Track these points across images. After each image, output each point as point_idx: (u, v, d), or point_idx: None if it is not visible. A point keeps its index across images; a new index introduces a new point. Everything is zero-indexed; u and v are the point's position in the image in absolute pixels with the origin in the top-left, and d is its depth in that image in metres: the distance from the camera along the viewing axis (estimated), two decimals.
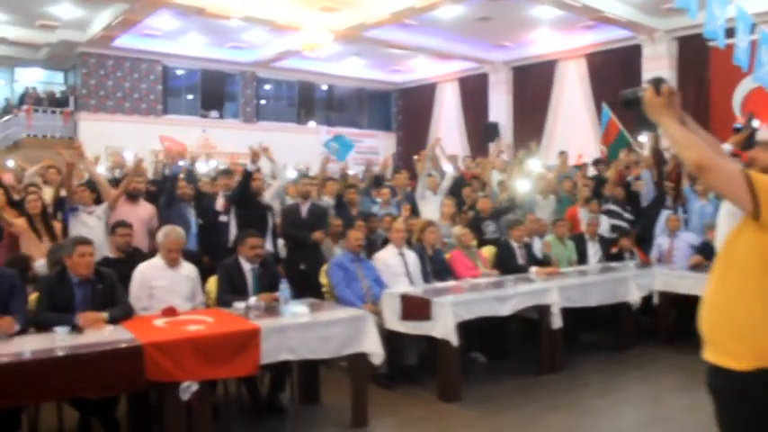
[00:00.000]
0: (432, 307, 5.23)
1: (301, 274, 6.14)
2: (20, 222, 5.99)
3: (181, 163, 8.88)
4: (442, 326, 5.14)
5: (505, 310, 5.68)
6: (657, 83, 2.36)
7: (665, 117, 2.33)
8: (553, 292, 6.07)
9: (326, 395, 5.27)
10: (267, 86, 22.12)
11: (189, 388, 3.81)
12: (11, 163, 9.49)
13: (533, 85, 19.09)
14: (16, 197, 6.76)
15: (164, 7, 14.45)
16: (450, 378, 5.32)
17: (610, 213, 8.74)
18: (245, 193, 6.58)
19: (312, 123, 22.53)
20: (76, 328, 4.04)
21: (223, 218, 6.86)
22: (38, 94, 19.15)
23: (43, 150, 15.60)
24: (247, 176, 6.51)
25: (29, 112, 18.05)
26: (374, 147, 22.79)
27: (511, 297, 5.75)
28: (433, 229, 6.67)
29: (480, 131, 19.85)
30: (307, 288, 5.87)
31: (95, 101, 18.42)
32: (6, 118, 18.14)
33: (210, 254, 6.48)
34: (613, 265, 7.55)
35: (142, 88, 19.11)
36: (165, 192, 6.68)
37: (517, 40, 17.94)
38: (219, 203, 6.91)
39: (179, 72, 20.41)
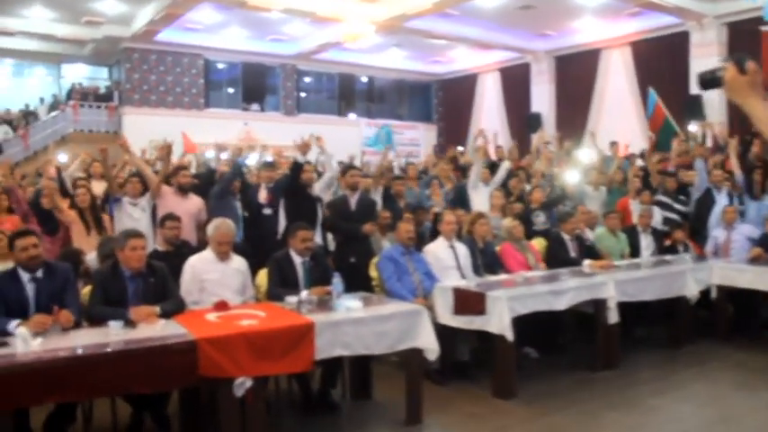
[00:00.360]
0: (486, 301, 5.09)
1: (351, 266, 6.03)
2: (71, 213, 6.00)
3: (224, 156, 8.90)
4: (498, 321, 5.00)
5: (561, 304, 5.50)
6: (741, 60, 2.12)
7: (750, 98, 2.10)
8: (609, 285, 5.87)
9: (378, 391, 5.16)
10: (307, 79, 22.13)
11: (243, 384, 3.74)
12: (63, 157, 9.60)
13: (576, 74, 18.75)
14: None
15: (206, 1, 14.50)
16: (505, 374, 5.17)
17: (661, 205, 8.47)
18: (295, 185, 6.49)
19: (352, 115, 22.48)
20: (129, 323, 4.00)
21: (267, 210, 6.79)
22: (83, 89, 19.43)
23: (89, 144, 15.81)
24: (297, 168, 6.42)
25: (75, 107, 18.37)
26: (415, 138, 22.66)
27: (566, 291, 5.57)
28: (483, 221, 6.51)
29: (522, 122, 19.59)
30: (356, 281, 5.75)
31: (139, 95, 18.64)
32: (54, 113, 18.44)
33: (254, 247, 6.42)
34: (668, 258, 7.30)
35: (184, 82, 19.27)
36: (222, 182, 6.63)
37: (560, 29, 17.65)
38: (263, 196, 6.84)
39: (220, 65, 20.53)
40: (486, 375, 5.44)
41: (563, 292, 5.54)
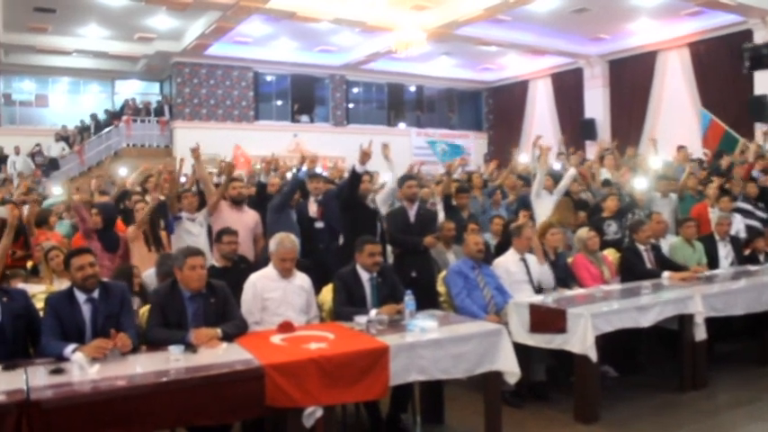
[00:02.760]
0: (567, 318, 4.73)
1: (412, 281, 5.70)
2: (131, 230, 5.85)
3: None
4: (580, 339, 4.63)
5: (647, 320, 5.09)
6: None
7: None
8: (696, 300, 5.43)
9: (450, 414, 4.83)
10: (356, 89, 22.04)
11: (313, 414, 3.45)
12: (123, 171, 9.62)
13: (631, 78, 18.29)
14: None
15: (255, 13, 14.50)
16: (588, 397, 4.79)
17: (742, 212, 7.96)
18: (353, 197, 6.20)
19: (402, 125, 22.28)
20: (190, 347, 3.75)
21: (319, 224, 6.53)
22: (136, 104, 19.66)
23: (142, 159, 15.96)
24: (356, 179, 6.14)
25: (128, 122, 18.57)
26: (465, 147, 22.33)
27: (652, 307, 5.16)
28: (554, 231, 6.14)
29: (575, 128, 19.12)
30: (419, 297, 5.43)
31: (190, 109, 18.77)
32: (108, 129, 18.66)
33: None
34: (751, 268, 6.80)
35: (234, 95, 19.34)
36: (283, 195, 6.39)
37: (614, 32, 17.23)
38: (313, 209, 6.58)
39: (269, 78, 20.57)
40: (564, 397, 5.10)
41: (648, 308, 5.13)
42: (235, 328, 4.07)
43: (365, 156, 6.07)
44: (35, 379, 3.24)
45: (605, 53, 18.54)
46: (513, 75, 22.09)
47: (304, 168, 7.13)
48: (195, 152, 6.80)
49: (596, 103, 19.00)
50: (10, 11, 14.54)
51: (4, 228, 6.64)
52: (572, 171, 8.06)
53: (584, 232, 6.38)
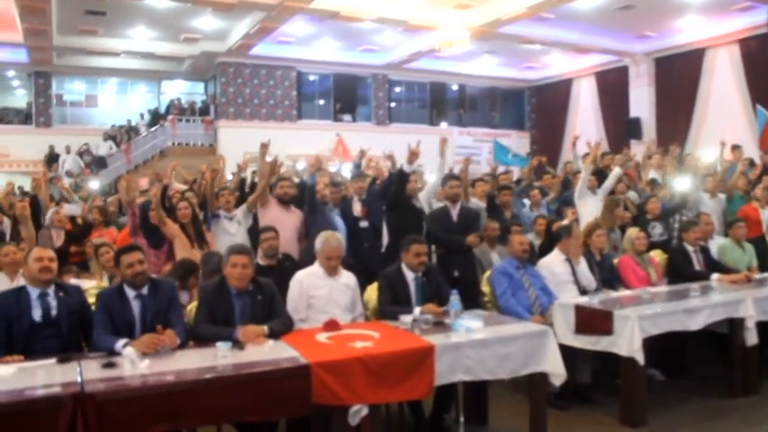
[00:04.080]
0: (614, 320, 4.66)
1: (455, 281, 5.68)
2: (174, 226, 5.95)
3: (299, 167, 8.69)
4: (627, 342, 4.56)
5: (695, 324, 4.99)
6: None
7: None
8: (748, 303, 5.29)
9: (494, 415, 4.80)
10: (398, 89, 22.03)
11: (359, 412, 3.46)
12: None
13: (678, 76, 17.90)
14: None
15: (299, 13, 14.59)
16: (635, 400, 4.72)
17: None
18: (399, 197, 6.20)
19: (444, 124, 22.22)
20: (237, 343, 3.79)
21: (363, 223, 6.54)
22: (181, 104, 19.99)
23: (186, 158, 16.21)
24: (403, 178, 6.13)
25: (173, 122, 18.87)
26: (508, 147, 22.13)
27: (701, 309, 5.05)
28: (600, 233, 6.05)
29: (620, 128, 18.82)
30: (462, 297, 5.41)
31: (234, 108, 18.99)
32: (154, 128, 19.01)
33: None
34: None
35: (277, 95, 19.52)
36: (306, 200, 6.44)
37: (661, 29, 16.89)
38: (357, 209, 6.59)
39: (312, 77, 20.70)
40: (610, 399, 5.04)
41: (697, 311, 5.03)
42: (281, 326, 4.10)
43: (413, 155, 6.07)
44: (89, 372, 3.31)
45: (651, 51, 18.19)
46: (557, 73, 21.84)
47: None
48: (265, 148, 6.84)
49: (642, 102, 18.66)
50: (63, 15, 14.91)
51: (70, 223, 6.88)
52: (617, 171, 7.94)
53: (632, 232, 6.29)
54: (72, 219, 7.13)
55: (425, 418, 4.55)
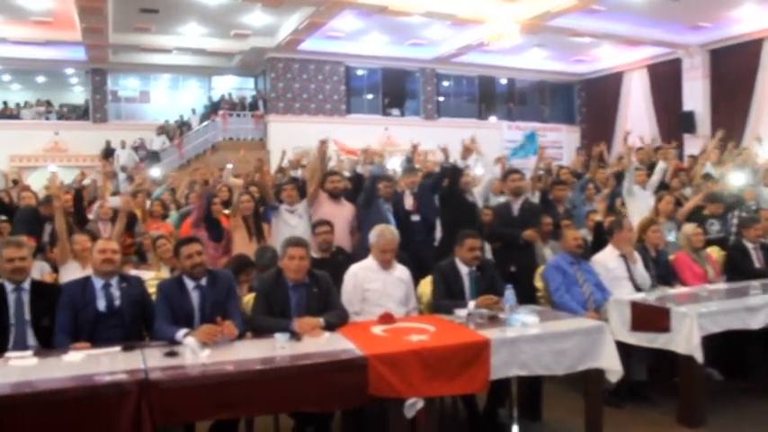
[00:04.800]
0: (671, 317, 4.58)
1: (511, 276, 5.65)
2: (236, 219, 6.05)
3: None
4: (685, 339, 4.47)
5: (756, 323, 4.85)
6: None
7: None
8: None
9: (548, 411, 4.76)
10: (446, 83, 21.96)
11: (414, 405, 3.47)
12: (230, 165, 10.02)
13: (735, 68, 17.47)
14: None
15: (347, 8, 14.66)
16: (693, 399, 4.62)
17: None
18: (453, 191, 6.20)
19: (493, 118, 22.09)
20: (295, 335, 3.85)
21: (415, 217, 6.55)
22: (232, 99, 20.27)
23: (237, 152, 16.42)
24: (456, 173, 6.13)
25: (224, 116, 19.16)
26: (557, 141, 21.94)
27: (762, 308, 4.91)
28: (656, 228, 5.95)
29: (673, 122, 18.44)
30: (517, 292, 5.39)
31: (283, 103, 19.21)
32: (205, 123, 19.34)
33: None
34: None
35: (326, 89, 19.67)
36: (365, 192, 6.47)
37: (716, 20, 16.50)
38: (409, 203, 6.61)
39: (360, 72, 20.79)
40: (666, 398, 4.95)
41: (758, 309, 4.88)
42: (337, 318, 4.15)
43: (467, 151, 6.06)
44: (151, 360, 3.40)
45: (706, 42, 17.78)
46: (608, 66, 21.52)
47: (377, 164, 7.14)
48: (324, 145, 6.91)
49: (696, 95, 18.26)
50: (118, 13, 15.29)
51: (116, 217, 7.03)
52: (661, 164, 7.78)
53: (689, 228, 6.16)
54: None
55: (479, 413, 4.53)
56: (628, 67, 20.79)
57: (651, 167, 8.33)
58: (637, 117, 19.96)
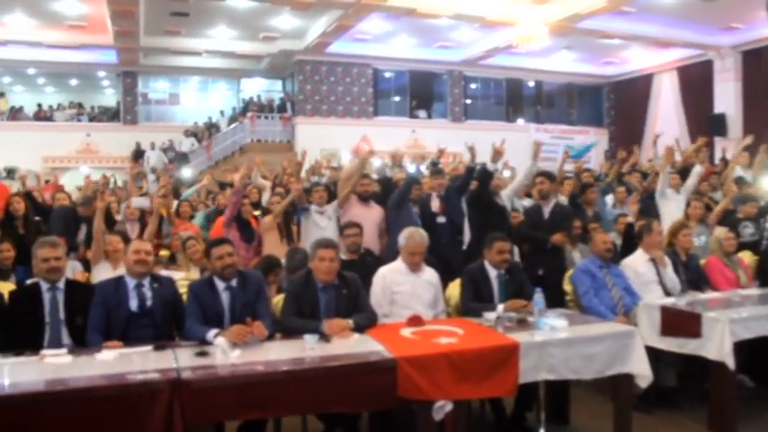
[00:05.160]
0: (702, 323, 4.53)
1: (539, 279, 5.64)
2: (267, 221, 6.10)
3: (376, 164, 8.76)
4: (717, 345, 4.41)
5: None
6: None
7: None
8: None
9: (576, 415, 4.73)
10: (474, 85, 21.92)
11: (443, 408, 3.48)
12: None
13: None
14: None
15: (375, 11, 14.71)
16: (724, 406, 4.56)
17: None
18: (482, 194, 6.20)
19: (521, 121, 21.98)
20: (324, 336, 3.87)
21: (441, 219, 6.55)
22: (260, 102, 20.42)
23: (265, 154, 16.58)
24: (487, 176, 6.13)
25: (252, 119, 19.32)
26: (585, 144, 21.73)
27: None
28: (687, 232, 5.89)
29: (703, 124, 18.17)
30: (546, 295, 5.36)
31: (311, 105, 19.32)
32: (233, 125, 19.52)
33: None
34: None
35: (354, 91, 19.74)
36: (399, 192, 6.48)
37: (749, 21, 16.26)
38: (435, 205, 6.61)
39: (388, 74, 20.83)
40: (696, 404, 4.88)
41: None
42: (366, 320, 4.17)
43: (497, 154, 6.05)
44: (182, 360, 3.44)
45: (738, 44, 17.54)
46: (637, 68, 21.33)
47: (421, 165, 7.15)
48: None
49: (727, 98, 18.01)
50: (149, 17, 15.53)
51: (143, 217, 7.13)
52: (698, 168, 7.68)
53: (721, 232, 6.08)
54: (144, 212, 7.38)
55: (507, 417, 4.53)
56: (658, 69, 20.58)
57: (681, 171, 8.24)
58: (666, 119, 19.75)
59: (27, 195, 7.29)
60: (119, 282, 4.15)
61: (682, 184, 7.69)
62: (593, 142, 13.96)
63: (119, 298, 4.05)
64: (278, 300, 4.58)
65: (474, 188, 6.37)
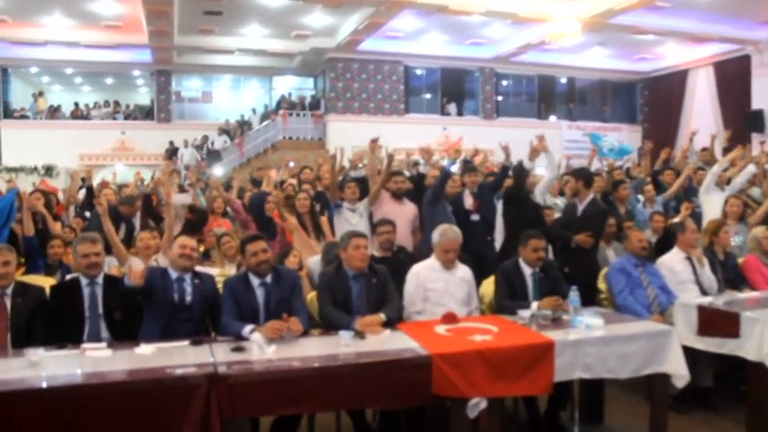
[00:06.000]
0: (741, 322, 4.46)
1: (571, 277, 5.57)
2: (293, 221, 6.15)
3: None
4: (756, 346, 4.32)
5: None
6: None
7: None
8: None
9: (610, 414, 4.70)
10: (505, 82, 21.80)
11: (477, 405, 3.48)
12: (292, 163, 10.24)
13: None
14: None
15: (407, 8, 14.70)
16: (763, 408, 4.47)
17: None
18: (518, 192, 6.17)
19: (552, 118, 21.81)
20: (359, 333, 3.89)
21: (474, 217, 6.53)
22: (292, 99, 20.54)
23: (297, 151, 16.75)
24: (523, 174, 6.10)
25: (284, 116, 19.46)
26: (619, 141, 21.48)
27: None
28: (726, 230, 5.79)
29: (740, 121, 17.85)
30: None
31: (342, 103, 19.39)
32: (266, 123, 19.67)
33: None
34: None
35: (385, 89, 19.78)
36: (434, 188, 6.49)
37: None
38: (468, 202, 6.59)
39: (419, 72, 20.81)
40: (734, 406, 4.81)
41: None
42: (395, 312, 4.26)
43: (534, 152, 6.01)
44: (219, 355, 3.49)
45: None
46: (672, 64, 21.01)
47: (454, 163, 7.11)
48: (374, 143, 6.98)
49: (765, 94, 17.67)
50: (183, 16, 15.72)
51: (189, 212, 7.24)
52: (750, 168, 7.51)
53: (759, 231, 5.97)
54: (190, 209, 7.48)
55: (540, 415, 4.51)
56: (693, 64, 20.28)
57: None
58: (702, 116, 19.45)
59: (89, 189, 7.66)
60: (164, 272, 4.24)
61: (725, 182, 7.56)
62: (632, 146, 13.83)
63: (165, 284, 4.14)
64: (312, 296, 4.62)
65: (510, 186, 6.35)
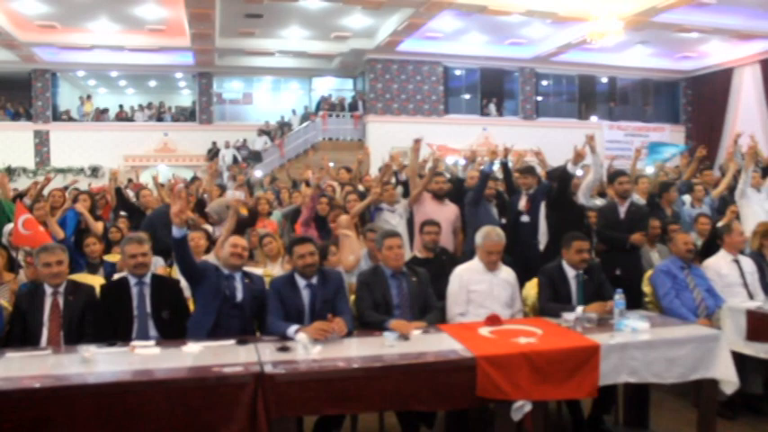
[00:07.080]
0: None
1: (616, 279, 5.53)
2: (345, 219, 6.21)
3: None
4: None
5: None
6: None
7: None
8: None
9: (655, 419, 4.64)
10: (545, 82, 21.59)
11: (522, 408, 3.48)
12: (331, 163, 10.32)
13: None
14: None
15: (447, 9, 14.66)
16: None
17: None
18: (563, 194, 6.14)
19: (593, 118, 21.53)
20: (403, 334, 3.92)
21: (525, 218, 6.51)
22: (331, 100, 20.66)
23: (336, 152, 16.84)
24: (567, 177, 6.07)
25: (324, 117, 19.58)
26: (661, 141, 21.12)
27: None
28: None
29: None
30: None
31: (382, 104, 19.42)
32: (305, 124, 19.82)
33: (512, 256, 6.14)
34: None
35: (424, 90, 19.75)
36: (475, 190, 6.49)
37: None
38: (522, 203, 6.57)
39: (458, 72, 20.73)
40: None
41: None
42: (436, 320, 4.32)
43: (579, 156, 5.96)
44: (265, 355, 3.54)
45: None
46: (716, 63, 20.56)
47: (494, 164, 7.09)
48: (418, 143, 7.00)
49: None
50: (225, 19, 15.94)
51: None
52: None
53: None
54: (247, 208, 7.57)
55: (584, 419, 4.47)
56: (739, 62, 19.82)
57: (765, 170, 7.93)
58: (747, 116, 19.02)
59: (117, 190, 8.00)
60: (217, 268, 4.32)
61: (763, 183, 7.41)
62: (682, 146, 13.63)
63: (219, 279, 4.22)
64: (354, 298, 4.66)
65: (554, 189, 6.31)
